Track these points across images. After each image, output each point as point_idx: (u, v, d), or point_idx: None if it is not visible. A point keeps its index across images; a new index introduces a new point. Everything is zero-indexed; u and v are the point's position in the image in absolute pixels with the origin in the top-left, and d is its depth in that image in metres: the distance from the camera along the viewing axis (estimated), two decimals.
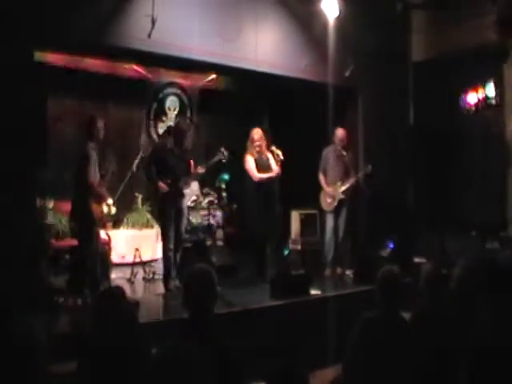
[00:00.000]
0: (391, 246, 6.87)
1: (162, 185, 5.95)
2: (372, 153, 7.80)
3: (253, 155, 6.53)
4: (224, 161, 6.31)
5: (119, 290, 3.10)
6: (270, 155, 6.53)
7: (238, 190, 7.53)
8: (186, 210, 6.36)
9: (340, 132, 7.18)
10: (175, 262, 6.09)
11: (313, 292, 5.92)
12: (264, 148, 6.53)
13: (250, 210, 6.55)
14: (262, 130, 6.68)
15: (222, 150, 6.29)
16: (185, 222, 6.29)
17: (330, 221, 7.21)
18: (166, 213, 6.01)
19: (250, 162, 6.51)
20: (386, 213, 7.50)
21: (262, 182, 6.43)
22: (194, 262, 5.99)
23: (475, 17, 7.62)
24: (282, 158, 6.42)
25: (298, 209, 7.67)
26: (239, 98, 8.54)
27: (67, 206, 5.75)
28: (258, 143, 6.51)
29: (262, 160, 6.55)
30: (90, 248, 5.48)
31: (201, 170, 6.20)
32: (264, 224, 6.40)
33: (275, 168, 6.45)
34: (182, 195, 6.15)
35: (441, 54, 8.10)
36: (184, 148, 6.22)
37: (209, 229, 7.21)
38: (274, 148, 6.50)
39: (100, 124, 5.56)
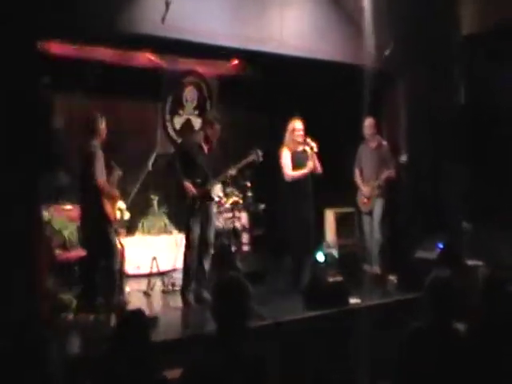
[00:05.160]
0: (440, 246, 6.76)
1: (189, 186, 5.93)
2: (415, 142, 7.72)
3: (290, 149, 6.51)
4: (257, 162, 6.31)
5: (140, 316, 3.11)
6: (307, 149, 6.51)
7: (266, 188, 7.58)
8: (214, 216, 6.38)
9: (367, 122, 7.22)
10: (203, 272, 6.10)
11: (352, 301, 5.89)
12: (303, 141, 6.51)
13: (283, 209, 6.54)
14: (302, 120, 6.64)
15: (258, 150, 6.26)
16: (213, 228, 6.29)
17: (367, 222, 7.31)
18: (193, 218, 6.01)
19: (286, 157, 6.50)
20: (432, 209, 7.41)
21: (295, 180, 6.43)
22: (219, 269, 6.18)
23: None
24: (316, 150, 6.40)
25: (332, 207, 7.62)
26: (265, 85, 8.50)
27: (75, 212, 5.81)
28: (299, 133, 6.47)
29: (298, 155, 6.53)
30: (112, 257, 5.56)
31: (232, 171, 6.21)
32: (298, 225, 6.39)
33: (310, 163, 6.45)
34: (211, 198, 6.16)
35: (494, 26, 7.88)
36: (214, 145, 6.20)
37: (234, 233, 7.25)
38: (308, 140, 6.47)
39: (102, 122, 5.69)
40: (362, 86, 6.91)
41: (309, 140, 6.46)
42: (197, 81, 8.80)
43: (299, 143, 6.50)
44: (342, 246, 7.37)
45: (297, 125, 6.51)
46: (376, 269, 7.20)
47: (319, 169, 6.48)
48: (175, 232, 8.00)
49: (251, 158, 6.25)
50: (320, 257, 6.80)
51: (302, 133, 6.50)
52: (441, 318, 3.30)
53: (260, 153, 6.27)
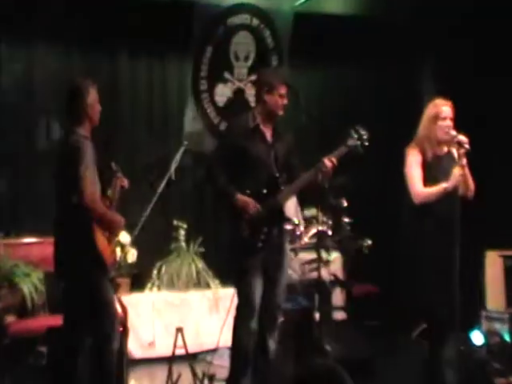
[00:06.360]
0: None
1: (244, 200, 5.90)
2: None
3: (423, 150, 6.31)
4: (359, 150, 6.19)
5: None
6: (453, 150, 6.34)
7: (374, 210, 7.85)
8: (288, 255, 6.43)
9: None
10: (266, 357, 6.12)
11: None
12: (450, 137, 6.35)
13: (408, 250, 6.41)
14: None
15: (358, 129, 6.16)
16: (285, 277, 6.30)
17: None
18: (251, 260, 5.98)
19: (413, 165, 6.31)
20: None
21: (431, 202, 6.25)
22: (295, 353, 6.19)
23: None
24: (467, 147, 6.15)
25: (498, 248, 7.57)
26: (372, 30, 8.52)
27: (43, 249, 5.83)
28: (446, 124, 6.25)
29: (438, 161, 6.33)
30: (105, 327, 5.52)
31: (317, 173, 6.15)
32: (436, 279, 6.17)
33: (456, 173, 6.20)
34: (283, 220, 6.21)
35: None
36: (283, 129, 6.29)
37: (319, 288, 7.15)
38: (454, 133, 6.24)
39: (92, 94, 5.65)
40: None
41: (454, 133, 6.22)
42: (254, 22, 8.83)
43: (443, 141, 6.30)
44: None
45: (444, 109, 6.29)
46: None
47: (472, 186, 6.27)
48: (216, 285, 8.10)
49: (348, 145, 6.14)
50: (477, 338, 6.92)
51: (450, 123, 6.27)
52: None
53: (365, 134, 6.16)
